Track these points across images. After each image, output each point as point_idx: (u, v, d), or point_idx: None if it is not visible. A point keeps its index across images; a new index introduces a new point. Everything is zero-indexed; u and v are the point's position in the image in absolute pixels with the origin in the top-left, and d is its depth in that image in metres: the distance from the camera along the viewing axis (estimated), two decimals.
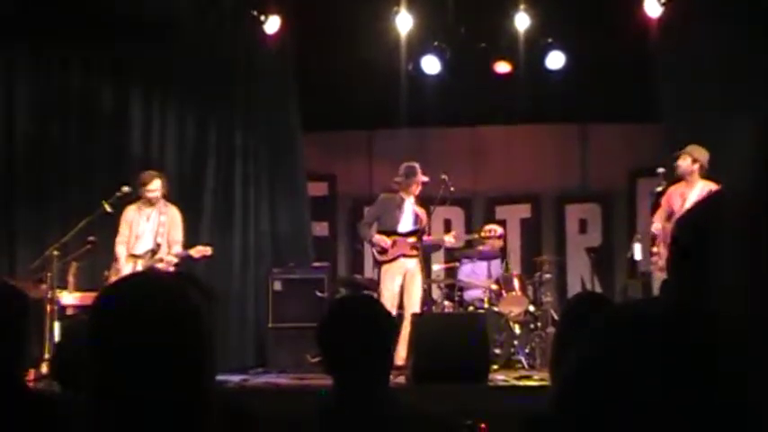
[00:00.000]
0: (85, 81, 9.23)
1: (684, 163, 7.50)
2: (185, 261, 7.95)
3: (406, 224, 8.29)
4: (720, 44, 8.69)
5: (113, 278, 7.55)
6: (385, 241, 8.20)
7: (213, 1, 9.44)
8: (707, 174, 7.42)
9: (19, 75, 8.95)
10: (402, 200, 8.33)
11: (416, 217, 8.33)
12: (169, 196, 7.94)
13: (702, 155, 7.47)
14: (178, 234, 7.85)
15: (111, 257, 7.83)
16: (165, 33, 9.04)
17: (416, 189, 8.32)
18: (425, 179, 8.29)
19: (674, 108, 9.09)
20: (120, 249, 7.76)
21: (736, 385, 0.78)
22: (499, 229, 9.24)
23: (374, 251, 8.36)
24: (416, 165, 8.36)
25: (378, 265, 8.40)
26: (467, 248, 9.34)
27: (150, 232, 7.78)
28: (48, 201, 8.90)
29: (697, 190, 7.38)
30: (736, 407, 0.79)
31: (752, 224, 0.76)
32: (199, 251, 7.85)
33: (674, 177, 7.68)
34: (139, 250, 7.77)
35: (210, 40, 9.42)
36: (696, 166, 7.45)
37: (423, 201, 8.53)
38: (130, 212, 7.80)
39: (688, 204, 7.24)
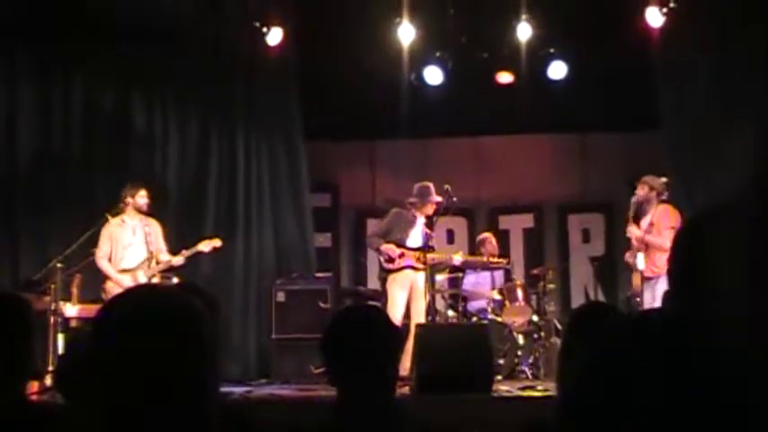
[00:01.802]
0: (87, 91, 9.26)
1: (642, 192, 7.85)
2: (193, 260, 7.96)
3: (414, 240, 8.28)
4: (720, 53, 8.71)
5: (112, 292, 7.55)
6: (393, 250, 8.20)
7: (215, 12, 9.46)
8: (663, 200, 7.76)
9: (20, 80, 8.98)
10: (415, 218, 8.35)
11: (426, 236, 8.32)
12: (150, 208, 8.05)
13: (658, 183, 7.81)
14: (162, 243, 7.99)
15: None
16: (167, 44, 9.08)
17: (431, 209, 8.32)
18: (439, 199, 8.26)
19: (674, 116, 9.11)
20: (104, 264, 7.73)
21: (737, 390, 0.78)
22: (503, 258, 9.26)
23: (381, 259, 8.34)
24: (430, 185, 8.34)
25: (384, 274, 8.37)
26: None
27: (140, 243, 7.82)
28: (50, 211, 8.91)
29: (653, 211, 7.74)
30: (737, 411, 0.79)
31: (751, 229, 0.77)
32: (207, 244, 7.91)
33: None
34: (131, 263, 7.78)
35: (213, 52, 9.45)
36: (653, 194, 7.79)
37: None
38: (113, 227, 7.79)
39: (644, 227, 7.60)
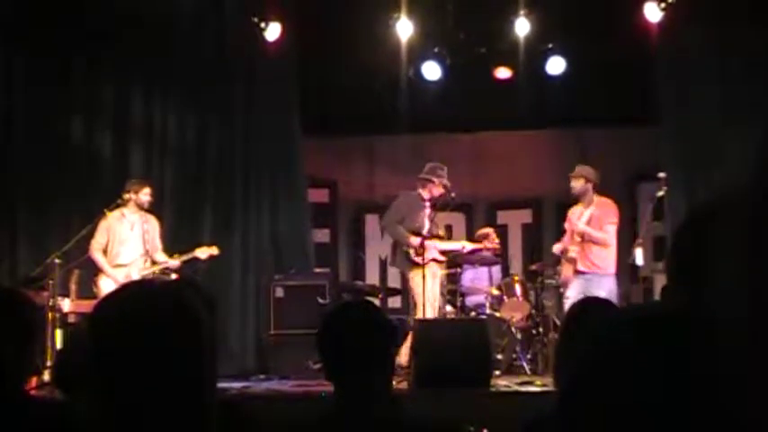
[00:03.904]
0: (86, 86, 9.25)
1: (578, 184, 7.79)
2: (189, 264, 7.97)
3: (425, 228, 8.17)
4: (719, 48, 8.71)
5: (104, 287, 7.55)
6: (420, 243, 8.04)
7: (214, 8, 9.45)
8: (599, 189, 7.77)
9: (20, 78, 8.97)
10: (423, 200, 8.22)
11: (432, 224, 8.24)
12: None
13: (592, 173, 7.77)
14: (158, 241, 8.00)
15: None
16: (166, 39, 9.07)
17: (437, 191, 8.20)
18: (447, 183, 8.17)
19: (673, 113, 9.11)
20: (98, 256, 7.74)
21: (737, 388, 0.78)
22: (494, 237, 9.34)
23: (410, 251, 8.07)
24: (445, 167, 8.26)
25: (410, 266, 8.08)
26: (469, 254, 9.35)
27: (137, 240, 7.83)
28: (48, 207, 8.91)
29: (593, 206, 7.70)
30: (736, 410, 0.79)
31: (752, 226, 0.76)
32: (204, 251, 7.91)
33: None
34: (126, 258, 7.78)
35: (211, 47, 9.44)
36: (589, 186, 7.74)
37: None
38: (112, 220, 7.79)
39: (584, 220, 7.52)
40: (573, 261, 7.71)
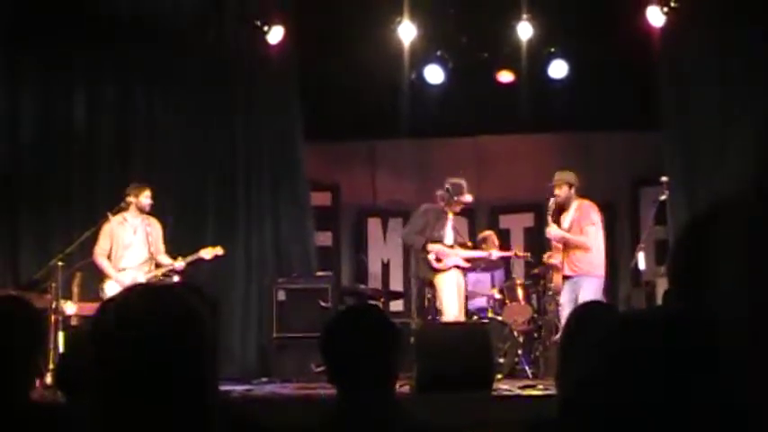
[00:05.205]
0: (88, 90, 9.26)
1: (563, 192, 7.83)
2: (194, 266, 7.96)
3: (449, 238, 8.23)
4: (720, 52, 8.71)
5: (110, 292, 7.55)
6: (442, 251, 8.10)
7: (216, 11, 9.46)
8: (580, 192, 7.87)
9: (21, 79, 8.98)
10: (445, 213, 8.25)
11: (456, 233, 8.30)
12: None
13: (573, 178, 7.86)
14: (161, 244, 8.00)
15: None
16: (168, 44, 9.08)
17: (458, 208, 8.28)
18: (470, 199, 8.23)
19: (675, 117, 9.11)
20: (103, 261, 7.73)
21: (738, 388, 0.78)
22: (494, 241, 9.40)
23: (430, 258, 8.12)
24: (464, 183, 8.26)
25: (431, 275, 8.14)
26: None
27: (141, 243, 7.82)
28: (51, 210, 8.92)
29: (573, 208, 7.80)
30: (737, 409, 0.79)
31: (752, 227, 0.77)
32: (209, 252, 7.91)
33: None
34: (131, 262, 7.77)
35: (213, 51, 9.45)
36: (573, 191, 7.82)
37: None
38: (114, 225, 7.78)
39: (565, 224, 7.55)
40: (559, 268, 7.78)
